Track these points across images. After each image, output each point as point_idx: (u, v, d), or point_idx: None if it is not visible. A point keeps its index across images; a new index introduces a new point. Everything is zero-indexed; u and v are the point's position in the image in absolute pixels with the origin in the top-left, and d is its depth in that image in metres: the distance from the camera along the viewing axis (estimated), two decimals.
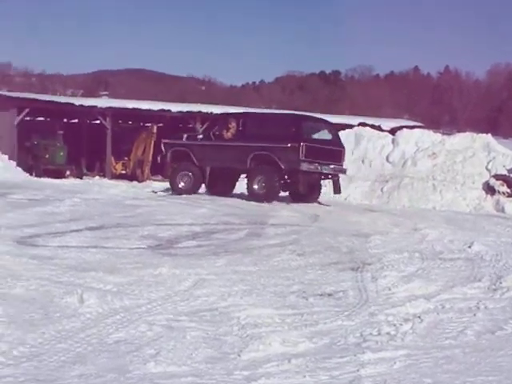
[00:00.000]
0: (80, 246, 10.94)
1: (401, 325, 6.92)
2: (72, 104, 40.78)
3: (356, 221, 16.87)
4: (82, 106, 40.56)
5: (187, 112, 41.20)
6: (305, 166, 20.66)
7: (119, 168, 41.04)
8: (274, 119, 23.96)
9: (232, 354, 6.04)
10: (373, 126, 32.53)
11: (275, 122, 22.51)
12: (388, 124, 41.38)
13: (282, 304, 7.84)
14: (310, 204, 20.75)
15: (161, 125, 40.62)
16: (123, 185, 29.14)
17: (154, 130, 38.37)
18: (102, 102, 44.01)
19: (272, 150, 20.82)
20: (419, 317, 7.22)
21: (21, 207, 15.42)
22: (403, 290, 8.64)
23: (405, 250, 11.61)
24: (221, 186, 22.64)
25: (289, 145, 20.66)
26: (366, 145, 27.10)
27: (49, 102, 40.93)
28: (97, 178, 37.78)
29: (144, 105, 41.66)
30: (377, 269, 9.94)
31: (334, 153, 21.91)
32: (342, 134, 28.07)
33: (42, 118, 44.73)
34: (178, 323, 6.87)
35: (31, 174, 33.96)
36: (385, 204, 23.32)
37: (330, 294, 8.41)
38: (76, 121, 46.37)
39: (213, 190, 22.41)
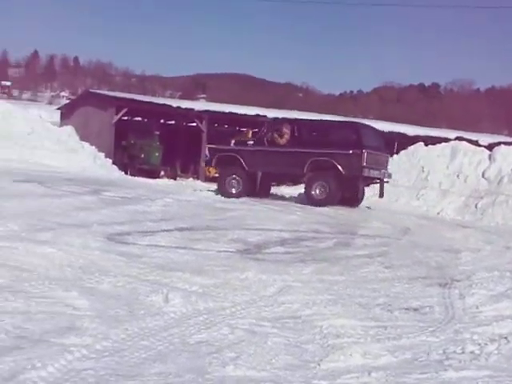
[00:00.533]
0: (169, 245, 11.04)
1: (486, 344, 6.74)
2: (169, 106, 41.33)
3: (447, 236, 16.63)
4: (179, 107, 41.10)
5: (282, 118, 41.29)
6: (366, 172, 21.15)
7: (213, 171, 41.28)
8: (332, 126, 24.18)
9: (312, 362, 5.99)
10: (470, 141, 32.00)
11: (333, 129, 22.88)
12: (486, 139, 40.75)
13: (366, 316, 7.75)
14: (400, 216, 20.58)
15: (256, 130, 40.79)
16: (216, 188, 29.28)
17: (250, 135, 38.49)
18: (199, 105, 44.53)
19: (332, 156, 21.13)
20: (506, 338, 7.02)
21: (113, 204, 15.66)
22: (491, 310, 8.42)
23: (496, 268, 11.34)
24: (260, 190, 23.06)
25: (351, 151, 20.97)
26: (462, 159, 26.69)
27: (146, 102, 41.59)
28: (190, 179, 38.19)
29: (240, 109, 41.98)
30: (465, 286, 9.74)
31: (382, 158, 22.64)
32: (438, 147, 27.96)
33: (139, 118, 45.48)
34: (260, 328, 6.85)
35: (126, 173, 34.57)
36: (478, 220, 22.93)
37: (415, 309, 8.28)
38: (173, 122, 46.98)
39: (252, 193, 22.76)
